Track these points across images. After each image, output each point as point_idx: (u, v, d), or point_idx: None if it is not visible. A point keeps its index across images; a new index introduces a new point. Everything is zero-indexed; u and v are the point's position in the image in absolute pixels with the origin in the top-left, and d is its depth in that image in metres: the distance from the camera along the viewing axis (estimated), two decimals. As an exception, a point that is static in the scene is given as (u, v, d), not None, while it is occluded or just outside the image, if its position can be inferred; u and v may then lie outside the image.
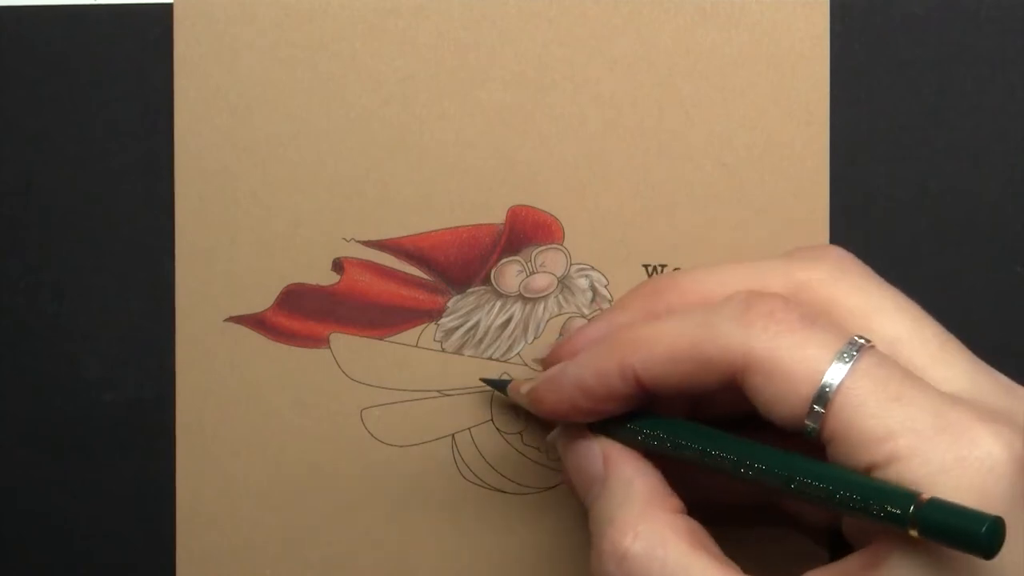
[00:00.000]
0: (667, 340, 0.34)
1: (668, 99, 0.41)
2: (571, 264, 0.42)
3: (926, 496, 0.30)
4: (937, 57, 0.41)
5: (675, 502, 0.35)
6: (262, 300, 0.42)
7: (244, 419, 0.42)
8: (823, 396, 0.32)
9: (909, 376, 0.32)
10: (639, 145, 0.41)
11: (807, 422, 0.32)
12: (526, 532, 0.42)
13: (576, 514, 0.41)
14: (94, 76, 0.42)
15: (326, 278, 0.42)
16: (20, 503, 0.42)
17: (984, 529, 0.29)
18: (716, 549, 0.34)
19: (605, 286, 0.42)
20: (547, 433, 0.40)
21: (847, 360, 0.32)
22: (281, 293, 0.42)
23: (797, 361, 0.32)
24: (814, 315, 0.33)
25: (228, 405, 0.42)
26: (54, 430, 0.42)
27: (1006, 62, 0.41)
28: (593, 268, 0.42)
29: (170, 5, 0.42)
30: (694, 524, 0.35)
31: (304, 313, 0.42)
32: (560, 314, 0.42)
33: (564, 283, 0.42)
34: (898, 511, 0.30)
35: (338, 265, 0.42)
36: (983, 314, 0.41)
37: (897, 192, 0.42)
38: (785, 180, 0.41)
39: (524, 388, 0.38)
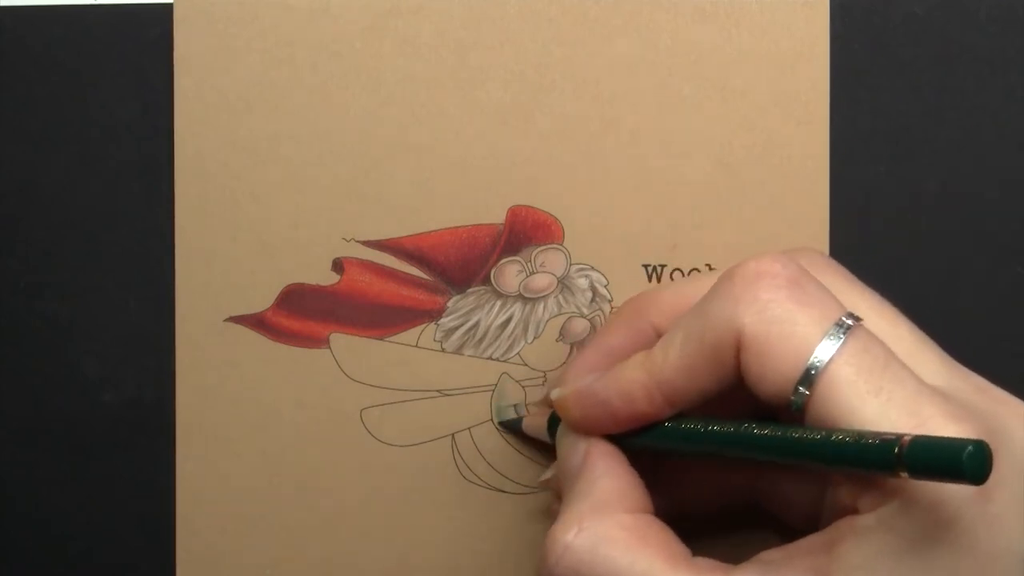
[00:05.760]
0: (676, 348, 0.34)
1: (668, 99, 0.41)
2: (571, 264, 0.42)
3: (908, 437, 0.29)
4: (937, 57, 0.41)
5: (638, 503, 0.35)
6: (262, 300, 0.42)
7: (244, 419, 0.42)
8: (808, 378, 0.32)
9: (891, 363, 0.32)
10: (639, 145, 0.41)
11: (792, 398, 0.32)
12: (526, 532, 0.42)
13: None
14: (94, 76, 0.42)
15: (326, 278, 0.42)
16: (20, 503, 0.42)
17: (965, 456, 0.28)
18: (676, 547, 0.34)
19: (605, 286, 0.42)
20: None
21: (834, 341, 0.32)
22: (281, 293, 0.42)
23: (785, 338, 0.32)
24: (803, 281, 0.33)
25: (228, 405, 0.42)
26: (54, 430, 0.42)
27: (1006, 62, 0.41)
28: (593, 268, 0.42)
29: (170, 5, 0.42)
30: (651, 522, 0.34)
31: (304, 313, 0.42)
32: (560, 314, 0.42)
33: (564, 283, 0.42)
34: (884, 456, 0.30)
35: (338, 265, 0.42)
36: (983, 314, 0.41)
37: (897, 192, 0.42)
38: (785, 180, 0.41)
39: (554, 394, 0.37)
